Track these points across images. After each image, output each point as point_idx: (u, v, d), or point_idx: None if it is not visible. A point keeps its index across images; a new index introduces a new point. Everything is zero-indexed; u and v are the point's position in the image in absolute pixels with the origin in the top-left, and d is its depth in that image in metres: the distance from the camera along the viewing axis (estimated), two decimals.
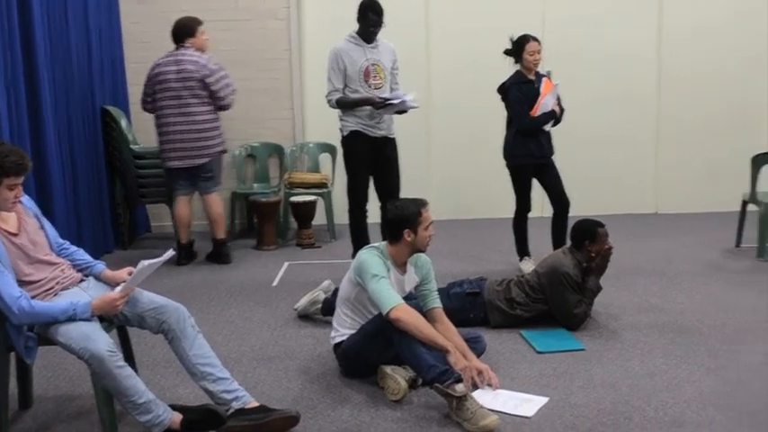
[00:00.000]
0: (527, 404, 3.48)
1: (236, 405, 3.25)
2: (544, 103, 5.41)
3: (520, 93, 5.44)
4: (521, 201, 5.61)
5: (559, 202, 5.57)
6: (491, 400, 3.49)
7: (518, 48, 5.47)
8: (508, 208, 5.72)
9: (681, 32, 7.46)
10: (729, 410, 3.39)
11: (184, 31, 5.91)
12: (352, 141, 5.44)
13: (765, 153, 5.96)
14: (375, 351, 3.67)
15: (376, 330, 3.61)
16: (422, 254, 3.88)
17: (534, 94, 5.42)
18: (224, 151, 6.15)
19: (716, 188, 7.50)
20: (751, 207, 6.08)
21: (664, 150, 7.65)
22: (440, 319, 3.83)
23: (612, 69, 7.45)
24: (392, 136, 5.53)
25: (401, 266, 3.80)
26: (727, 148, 7.43)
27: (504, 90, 5.54)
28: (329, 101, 5.42)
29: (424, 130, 7.43)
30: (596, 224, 4.58)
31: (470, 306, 4.47)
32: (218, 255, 6.14)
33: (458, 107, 7.44)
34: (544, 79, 5.49)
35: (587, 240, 4.52)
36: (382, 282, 3.58)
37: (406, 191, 5.47)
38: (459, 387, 3.31)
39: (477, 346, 3.88)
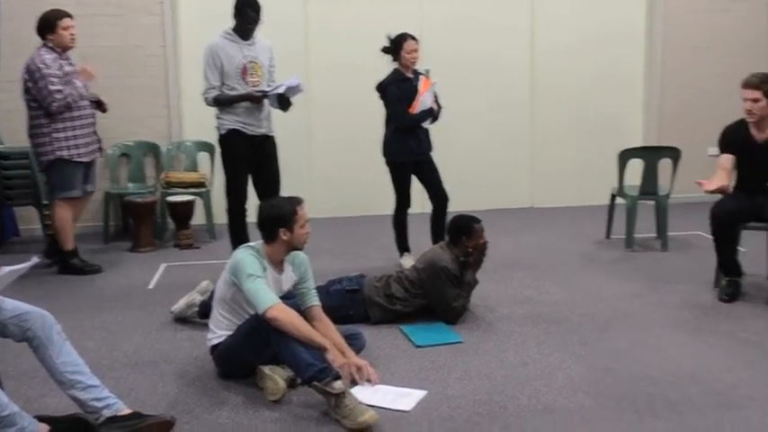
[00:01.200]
0: (405, 398, 3.51)
1: (107, 413, 3.13)
2: (423, 101, 5.47)
3: (398, 90, 5.47)
4: (400, 197, 5.66)
5: (438, 197, 5.65)
6: (370, 395, 3.50)
7: (396, 46, 5.50)
8: (388, 204, 5.76)
9: (553, 42, 7.72)
10: (598, 396, 3.52)
11: (43, 25, 5.46)
12: (230, 140, 5.34)
13: (631, 149, 6.23)
14: (252, 351, 3.61)
15: (252, 330, 3.56)
16: (299, 252, 3.85)
17: (412, 92, 5.48)
18: (58, 160, 5.47)
19: (587, 183, 7.80)
20: (619, 200, 6.35)
21: (538, 148, 7.89)
22: (318, 317, 3.81)
23: (488, 74, 7.62)
24: (271, 134, 5.47)
25: (278, 265, 3.76)
26: (597, 146, 7.74)
27: (382, 88, 5.56)
28: (206, 98, 5.30)
29: (304, 128, 7.39)
30: (472, 220, 4.67)
31: (350, 303, 4.47)
32: (66, 266, 5.75)
33: (337, 105, 7.44)
34: (422, 77, 5.56)
35: (464, 236, 4.60)
36: (258, 281, 3.53)
37: (287, 189, 5.41)
38: (338, 384, 3.30)
39: (356, 343, 3.88)
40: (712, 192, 4.66)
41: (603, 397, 3.51)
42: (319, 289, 4.24)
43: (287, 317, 3.46)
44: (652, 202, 6.30)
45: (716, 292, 4.96)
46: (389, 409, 3.40)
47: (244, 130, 5.30)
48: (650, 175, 6.10)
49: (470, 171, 7.63)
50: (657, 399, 3.49)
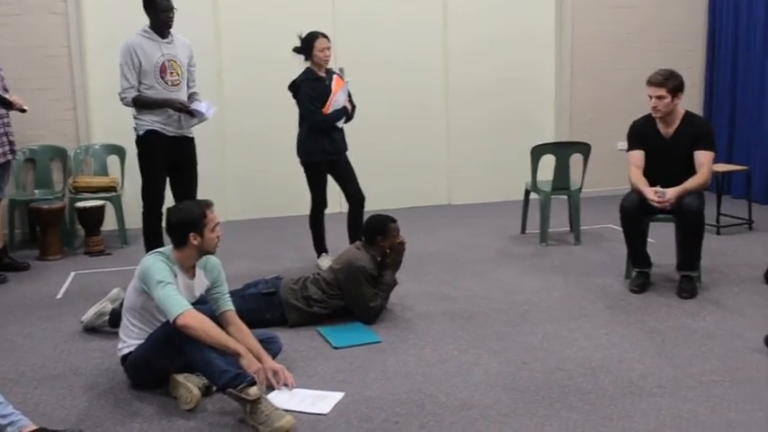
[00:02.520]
0: (323, 401, 3.48)
1: (10, 430, 3.00)
2: (336, 101, 5.44)
3: (311, 90, 5.43)
4: (316, 197, 5.62)
5: (354, 197, 5.63)
6: (287, 400, 3.47)
7: (307, 45, 5.45)
8: (306, 205, 5.71)
9: (465, 41, 7.78)
10: (514, 390, 3.56)
11: None
12: (149, 141, 5.14)
13: (543, 145, 6.33)
14: (165, 360, 3.52)
15: (164, 338, 3.47)
16: (211, 256, 3.77)
17: (325, 91, 5.44)
18: None
19: (502, 179, 7.91)
20: (533, 195, 6.45)
21: (454, 146, 7.95)
22: (233, 322, 3.74)
23: (402, 72, 7.64)
24: (191, 135, 5.33)
25: (189, 271, 3.68)
26: (511, 142, 7.85)
27: (295, 87, 5.51)
28: (123, 98, 5.08)
29: (218, 127, 7.26)
30: (388, 219, 4.66)
31: (266, 306, 4.41)
32: None
33: (250, 105, 7.35)
34: (335, 76, 5.52)
35: (379, 236, 4.60)
36: (168, 288, 3.45)
37: (202, 191, 5.33)
38: (253, 390, 3.24)
39: (272, 347, 3.83)
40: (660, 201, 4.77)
41: (519, 391, 3.56)
42: (234, 293, 4.19)
43: (199, 323, 3.38)
44: (565, 197, 6.42)
45: (627, 284, 5.09)
46: (307, 413, 3.37)
47: (163, 131, 5.13)
48: (562, 171, 6.22)
49: (387, 170, 7.64)
50: (571, 390, 3.55)
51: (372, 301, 4.47)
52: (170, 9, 5.05)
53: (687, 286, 4.88)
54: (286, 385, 3.58)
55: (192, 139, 5.35)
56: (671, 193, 4.75)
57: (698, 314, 4.54)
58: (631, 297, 4.88)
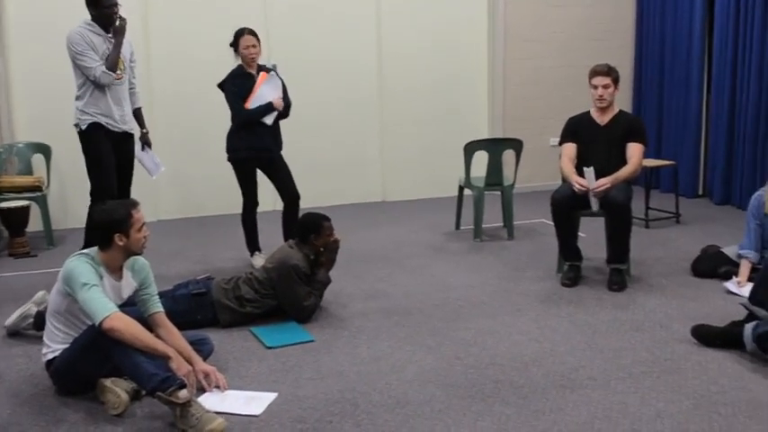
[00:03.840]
0: (255, 402, 3.42)
1: None
2: (259, 95, 5.36)
3: (233, 86, 5.38)
4: (246, 195, 5.55)
5: (289, 195, 5.57)
6: (219, 402, 3.40)
7: (235, 41, 5.41)
8: (238, 203, 5.63)
9: (399, 38, 7.81)
10: (448, 386, 3.57)
11: None
12: (94, 134, 5.01)
13: (476, 141, 6.37)
14: (91, 364, 3.42)
15: (90, 342, 3.36)
16: (139, 257, 3.68)
17: (251, 87, 5.37)
18: None
19: (437, 175, 7.95)
20: (467, 191, 6.49)
21: (389, 142, 7.95)
22: (162, 324, 3.66)
23: (336, 68, 7.62)
24: (132, 132, 5.22)
25: (116, 272, 3.58)
26: (445, 139, 7.89)
27: (222, 84, 5.44)
28: (98, 74, 4.87)
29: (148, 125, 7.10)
30: (321, 218, 4.62)
31: (197, 307, 4.33)
32: None
33: (180, 103, 7.23)
34: (262, 72, 5.45)
35: (313, 234, 4.55)
36: (93, 290, 3.34)
37: (133, 190, 5.21)
38: (183, 393, 3.17)
39: (203, 348, 3.76)
40: (585, 189, 4.85)
41: (453, 387, 3.56)
42: (165, 294, 4.11)
43: (126, 326, 3.29)
44: (498, 193, 6.47)
45: (558, 278, 5.15)
46: (239, 415, 3.31)
47: (107, 125, 5.01)
48: (495, 167, 6.27)
49: (321, 167, 7.60)
50: (504, 385, 3.57)
51: (306, 300, 4.43)
52: (114, 4, 4.95)
53: (617, 279, 4.96)
54: (218, 387, 3.52)
55: (132, 135, 5.24)
56: (605, 180, 4.84)
57: (627, 306, 4.63)
58: (563, 291, 4.94)
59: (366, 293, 4.96)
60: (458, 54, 8.02)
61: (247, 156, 5.43)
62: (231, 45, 5.43)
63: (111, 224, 3.46)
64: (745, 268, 4.94)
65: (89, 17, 4.98)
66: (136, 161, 5.35)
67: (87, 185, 5.12)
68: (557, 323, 4.36)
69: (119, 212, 3.49)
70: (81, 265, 3.42)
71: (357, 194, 7.85)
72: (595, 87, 5.06)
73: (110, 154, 5.07)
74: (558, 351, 3.96)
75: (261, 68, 5.47)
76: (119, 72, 5.01)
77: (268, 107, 5.36)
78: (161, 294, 3.90)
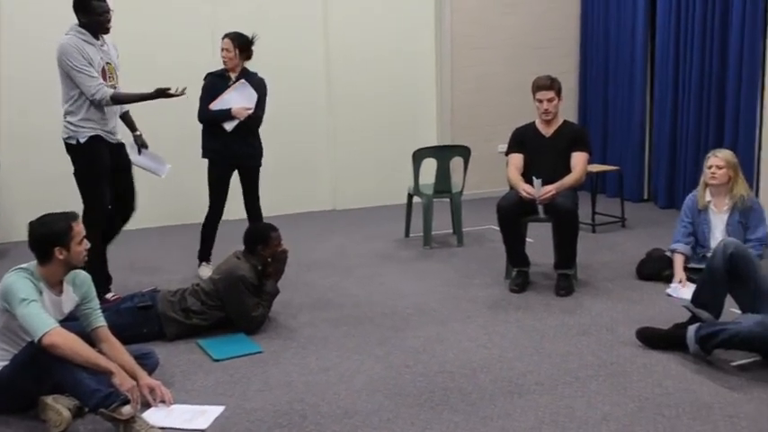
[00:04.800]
0: (202, 416, 3.37)
1: None
2: (225, 100, 5.34)
3: (207, 83, 5.40)
4: (211, 199, 5.53)
5: (249, 211, 5.59)
6: (164, 417, 3.35)
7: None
8: (187, 214, 5.55)
9: (347, 45, 7.77)
10: (397, 395, 3.56)
11: None
12: (93, 147, 4.74)
13: (424, 149, 6.39)
14: (31, 382, 3.33)
15: (30, 359, 3.28)
16: (80, 271, 3.60)
17: (222, 90, 5.36)
18: None
19: (387, 183, 7.94)
20: (417, 199, 6.50)
21: (338, 151, 7.92)
22: (105, 339, 3.59)
23: (284, 77, 7.51)
24: (122, 141, 5.03)
25: (56, 286, 3.50)
26: (395, 147, 7.88)
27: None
28: (100, 97, 4.61)
29: None
30: (268, 228, 4.59)
31: (143, 320, 4.26)
32: None
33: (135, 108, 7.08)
34: (241, 80, 5.42)
35: (260, 245, 4.51)
36: (32, 306, 3.26)
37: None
38: (126, 409, 3.12)
39: (148, 363, 3.70)
40: (532, 196, 4.90)
41: (402, 395, 3.55)
42: (109, 308, 4.03)
43: (66, 342, 3.21)
44: (447, 200, 6.50)
45: (507, 284, 5.19)
46: (185, 430, 3.27)
47: (106, 137, 4.80)
48: (443, 174, 6.29)
49: (270, 176, 7.46)
50: (453, 392, 3.57)
51: (254, 311, 4.39)
52: (107, 11, 4.72)
53: (564, 284, 5.02)
54: (163, 402, 3.46)
55: (123, 144, 5.06)
56: (550, 187, 4.89)
57: (574, 311, 4.68)
58: (511, 297, 4.98)
59: (315, 303, 4.93)
60: (406, 61, 8.04)
61: (212, 157, 5.43)
62: None
63: (50, 237, 3.39)
64: (677, 263, 5.09)
65: (76, 22, 4.71)
66: (135, 168, 5.19)
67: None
68: (505, 329, 4.39)
69: (58, 225, 3.42)
70: (19, 281, 3.34)
71: (307, 203, 7.81)
72: (540, 101, 5.14)
73: (107, 168, 4.85)
74: (506, 357, 3.98)
75: (243, 75, 5.45)
76: (113, 82, 4.82)
77: (228, 113, 5.31)
78: (106, 308, 3.83)
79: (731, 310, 4.20)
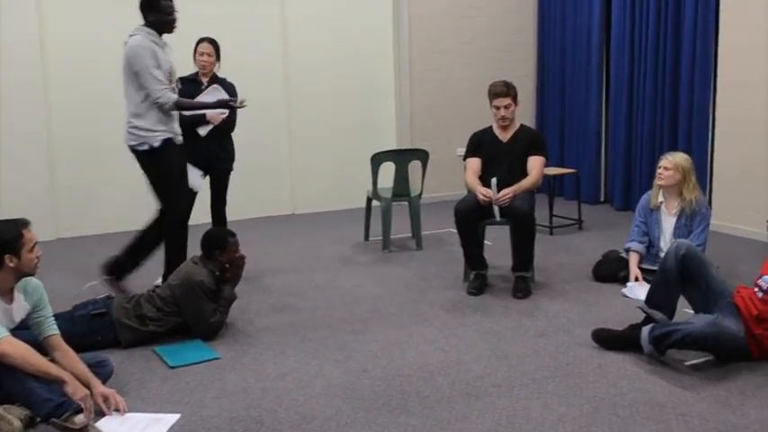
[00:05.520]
0: (157, 424, 3.33)
1: None
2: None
3: (179, 89, 5.32)
4: None
5: (214, 215, 5.61)
6: (118, 426, 3.30)
7: (195, 48, 5.46)
8: (141, 220, 5.47)
9: (306, 50, 7.78)
10: (354, 399, 3.55)
11: None
12: (170, 149, 4.78)
13: (382, 152, 6.40)
14: None
15: None
16: (32, 278, 3.54)
17: (193, 93, 5.33)
18: None
19: (346, 187, 7.95)
20: (375, 203, 6.50)
21: (297, 155, 7.91)
22: (58, 347, 3.52)
23: (241, 81, 7.49)
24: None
25: (7, 295, 3.43)
26: (354, 151, 7.90)
27: None
28: (164, 102, 4.64)
29: (44, 140, 6.87)
30: (226, 233, 4.55)
31: (98, 328, 4.19)
32: None
33: (80, 116, 7.02)
34: (214, 85, 5.40)
35: (217, 250, 4.47)
36: None
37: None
38: (79, 418, 3.08)
39: (102, 371, 3.64)
40: (489, 199, 4.93)
41: (360, 400, 3.55)
42: (63, 315, 3.97)
43: (17, 351, 3.16)
44: (406, 203, 6.51)
45: (465, 287, 5.21)
46: None
47: (175, 139, 4.81)
48: (401, 178, 6.31)
49: (231, 179, 7.47)
50: (410, 395, 3.58)
51: (211, 317, 4.35)
52: (174, 10, 4.74)
53: (521, 286, 5.06)
54: (117, 410, 3.41)
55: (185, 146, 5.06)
56: (507, 190, 4.93)
57: (532, 313, 4.71)
58: (469, 299, 5.00)
59: (273, 308, 4.91)
60: (365, 65, 8.06)
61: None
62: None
63: (0, 245, 3.32)
64: (632, 261, 5.19)
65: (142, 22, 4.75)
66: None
67: None
68: (463, 332, 4.41)
69: (8, 233, 3.35)
70: None
71: (266, 208, 7.77)
72: (497, 108, 5.18)
73: (183, 168, 4.89)
74: (463, 359, 4.00)
75: (215, 80, 5.43)
76: (173, 85, 4.85)
77: (202, 118, 5.27)
78: (60, 316, 3.78)
79: (684, 310, 4.27)
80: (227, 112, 5.33)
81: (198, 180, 5.34)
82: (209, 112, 5.29)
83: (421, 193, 6.44)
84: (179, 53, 5.49)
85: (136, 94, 4.69)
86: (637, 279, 5.07)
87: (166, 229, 4.93)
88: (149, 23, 4.72)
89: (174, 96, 4.72)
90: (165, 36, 4.81)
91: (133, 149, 4.78)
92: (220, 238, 4.53)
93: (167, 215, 4.89)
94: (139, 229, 5.12)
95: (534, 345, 4.19)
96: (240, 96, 5.27)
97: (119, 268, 5.09)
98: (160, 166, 4.79)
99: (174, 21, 4.76)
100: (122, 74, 4.73)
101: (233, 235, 4.58)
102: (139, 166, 4.84)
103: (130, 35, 4.72)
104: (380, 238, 6.39)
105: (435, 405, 3.47)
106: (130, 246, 5.09)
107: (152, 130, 4.71)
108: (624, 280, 5.18)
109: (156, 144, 4.73)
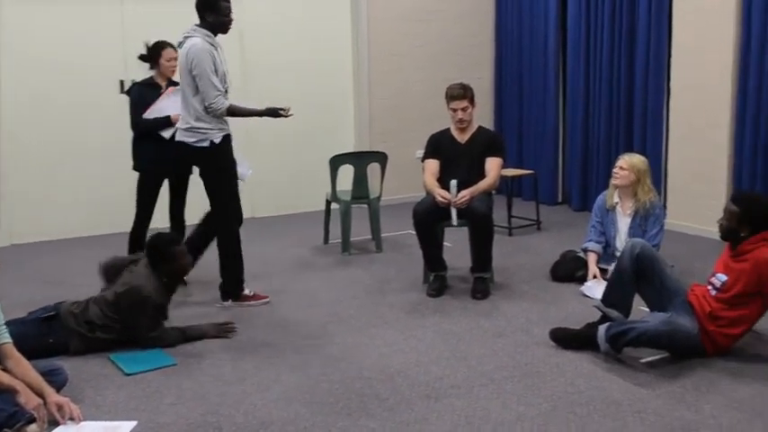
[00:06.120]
0: None
1: None
2: (159, 108, 5.26)
3: (138, 95, 5.30)
4: (140, 207, 5.41)
5: (175, 220, 5.53)
6: None
7: (154, 53, 5.33)
8: (100, 225, 5.42)
9: (263, 54, 7.71)
10: (313, 403, 3.54)
11: None
12: (227, 147, 4.86)
13: (341, 155, 6.39)
14: None
15: None
16: None
17: (156, 98, 5.27)
18: None
19: (306, 190, 7.91)
20: (335, 205, 6.49)
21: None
22: (11, 356, 3.44)
23: None
24: None
25: None
26: (314, 153, 7.84)
27: (129, 91, 5.40)
28: (217, 108, 4.67)
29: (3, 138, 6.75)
30: (172, 242, 4.45)
31: (48, 331, 4.09)
32: None
33: (32, 118, 6.88)
34: (170, 87, 5.34)
35: (163, 260, 4.35)
36: None
37: None
38: (32, 428, 3.04)
39: (56, 379, 3.57)
40: (447, 202, 4.94)
41: (319, 404, 3.53)
42: (15, 321, 3.89)
43: None
44: (365, 206, 6.50)
45: (425, 288, 5.22)
46: None
47: (230, 135, 4.90)
48: (360, 180, 6.30)
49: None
50: (370, 398, 3.57)
51: (152, 331, 4.24)
52: (231, 11, 4.80)
53: (480, 287, 5.08)
54: (72, 419, 3.35)
55: None
56: (465, 192, 4.94)
57: (490, 314, 4.74)
58: (429, 301, 5.01)
59: (231, 313, 4.86)
60: (323, 67, 8.03)
61: (148, 167, 5.33)
62: (143, 57, 5.37)
63: None
64: (590, 260, 5.24)
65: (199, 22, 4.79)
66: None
67: None
68: (422, 333, 4.41)
69: None
70: None
71: None
72: (454, 110, 5.21)
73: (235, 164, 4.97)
74: (423, 361, 4.00)
75: (171, 83, 5.38)
76: (227, 86, 4.87)
77: (166, 120, 5.20)
78: (12, 321, 3.70)
79: (640, 308, 4.33)
80: None
81: (245, 170, 5.28)
82: (173, 114, 5.22)
83: (380, 196, 6.44)
84: (133, 56, 5.47)
85: (194, 98, 4.74)
86: (595, 277, 5.12)
87: (222, 228, 4.98)
88: (206, 24, 4.77)
89: (227, 103, 4.75)
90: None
91: (192, 146, 4.80)
92: (165, 248, 4.38)
93: (221, 211, 4.93)
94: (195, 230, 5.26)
95: (493, 345, 4.21)
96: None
97: (224, 290, 5.05)
98: (219, 161, 4.85)
99: (230, 22, 4.82)
100: (180, 74, 4.80)
101: (178, 242, 4.50)
102: (192, 164, 5.00)
103: (186, 36, 4.77)
104: (340, 240, 6.37)
105: (395, 407, 3.47)
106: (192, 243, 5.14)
107: (213, 128, 4.78)
108: (582, 279, 5.23)
109: (217, 140, 4.79)
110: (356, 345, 4.26)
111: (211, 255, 5.11)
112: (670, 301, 4.00)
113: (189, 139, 4.79)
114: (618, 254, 4.80)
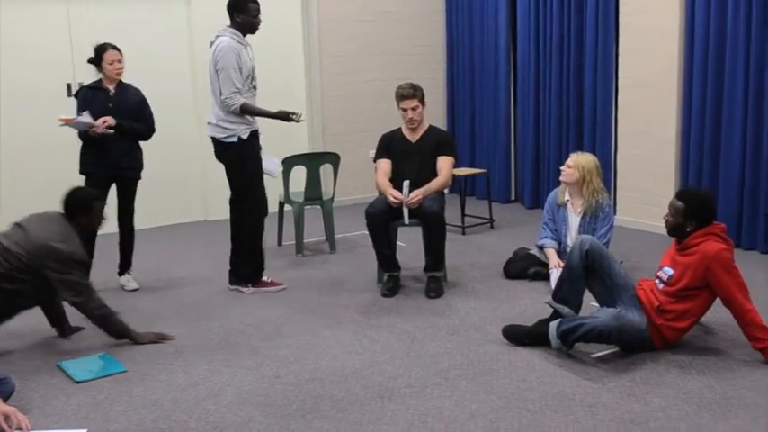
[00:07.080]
0: None
1: None
2: (80, 115, 5.13)
3: (83, 99, 5.22)
4: None
5: (120, 225, 5.47)
6: None
7: (97, 55, 5.23)
8: None
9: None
10: (267, 406, 3.52)
11: None
12: (254, 142, 5.11)
13: (293, 156, 6.36)
14: None
15: None
16: None
17: (103, 102, 5.18)
18: None
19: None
20: (288, 207, 6.46)
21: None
22: None
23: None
24: None
25: None
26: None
27: (77, 94, 5.33)
28: (230, 104, 4.91)
29: None
30: (92, 198, 4.35)
31: None
32: None
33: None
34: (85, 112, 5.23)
35: (81, 214, 4.25)
36: None
37: None
38: None
39: (3, 389, 3.49)
40: (399, 202, 4.97)
41: (272, 406, 3.52)
42: None
43: None
44: (318, 207, 6.49)
45: (379, 288, 5.23)
46: None
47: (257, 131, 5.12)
48: (313, 181, 6.29)
49: (142, 187, 7.29)
50: (324, 399, 3.56)
51: (98, 310, 4.15)
52: (259, 11, 4.99)
53: (434, 286, 5.10)
54: (20, 429, 3.28)
55: None
56: (417, 192, 4.96)
57: (444, 312, 4.76)
58: (383, 301, 5.02)
59: (184, 317, 4.82)
60: (275, 68, 7.95)
61: (90, 170, 5.25)
62: (91, 60, 5.26)
63: None
64: (551, 254, 5.28)
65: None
66: None
67: None
68: (377, 334, 4.42)
69: None
70: None
71: (178, 215, 7.62)
72: (405, 110, 5.24)
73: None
74: (377, 361, 4.01)
75: (120, 86, 5.31)
76: (255, 82, 5.14)
77: (80, 125, 5.10)
78: None
79: (591, 304, 4.39)
80: (112, 123, 5.14)
81: (274, 166, 5.34)
82: (97, 122, 5.10)
83: (333, 197, 6.44)
84: (83, 58, 5.39)
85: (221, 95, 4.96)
86: (557, 265, 5.13)
87: (249, 218, 5.19)
88: (236, 24, 4.99)
89: (242, 100, 4.93)
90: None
91: (220, 142, 5.03)
92: (84, 202, 4.28)
93: (248, 203, 5.14)
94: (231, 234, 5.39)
95: (447, 343, 4.24)
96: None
97: (246, 274, 5.28)
98: (247, 156, 5.07)
99: (258, 23, 5.03)
100: (209, 73, 5.03)
101: (99, 198, 4.43)
102: (217, 158, 5.18)
103: (217, 36, 4.99)
104: (293, 242, 6.35)
105: (349, 408, 3.47)
106: (237, 251, 5.33)
107: (240, 124, 5.01)
108: (534, 277, 5.28)
109: (244, 136, 5.02)
110: (310, 346, 4.25)
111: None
112: (619, 297, 4.06)
113: (218, 134, 5.04)
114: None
